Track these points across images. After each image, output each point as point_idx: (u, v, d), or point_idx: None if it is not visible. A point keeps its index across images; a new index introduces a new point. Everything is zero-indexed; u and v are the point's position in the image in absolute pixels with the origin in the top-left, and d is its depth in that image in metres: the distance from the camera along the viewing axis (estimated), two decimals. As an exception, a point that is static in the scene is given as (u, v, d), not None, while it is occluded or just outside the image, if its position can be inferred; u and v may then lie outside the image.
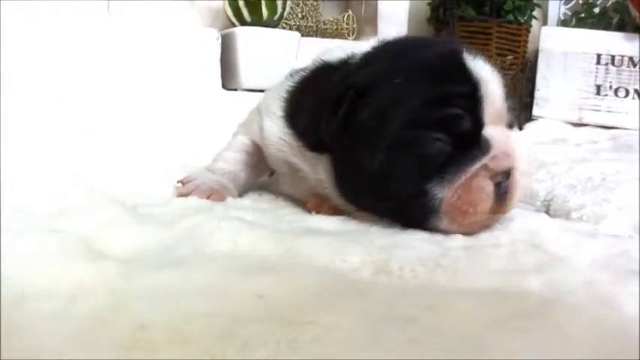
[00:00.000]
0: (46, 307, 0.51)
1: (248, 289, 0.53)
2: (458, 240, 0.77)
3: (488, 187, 0.78)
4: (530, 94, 2.69)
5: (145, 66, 1.91)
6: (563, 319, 0.52)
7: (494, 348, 0.44)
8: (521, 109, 2.67)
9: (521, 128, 2.58)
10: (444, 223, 0.80)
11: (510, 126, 0.86)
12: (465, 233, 0.79)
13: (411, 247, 0.71)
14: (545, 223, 0.89)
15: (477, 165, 0.78)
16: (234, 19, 2.05)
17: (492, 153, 0.79)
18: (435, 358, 0.42)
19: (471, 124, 0.79)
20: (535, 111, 2.66)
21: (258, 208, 0.96)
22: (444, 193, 0.78)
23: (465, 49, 0.84)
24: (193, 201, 0.97)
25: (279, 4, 2.05)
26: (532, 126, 2.57)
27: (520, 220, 0.89)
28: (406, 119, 0.79)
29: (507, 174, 0.80)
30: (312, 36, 2.39)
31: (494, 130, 0.81)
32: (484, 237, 0.79)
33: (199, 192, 1.00)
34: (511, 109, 0.85)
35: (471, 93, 0.80)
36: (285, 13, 2.12)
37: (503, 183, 0.80)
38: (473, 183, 0.78)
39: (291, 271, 0.60)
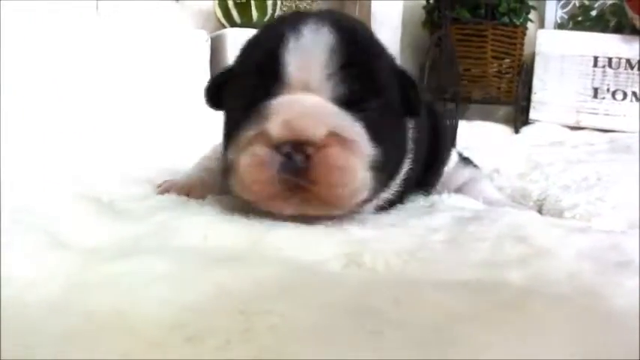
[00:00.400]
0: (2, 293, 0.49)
1: (207, 279, 0.50)
2: (440, 234, 0.73)
3: (263, 155, 0.71)
4: (527, 98, 2.67)
5: (134, 67, 1.89)
6: (543, 310, 0.48)
7: (462, 341, 0.41)
8: (518, 113, 2.64)
9: (517, 132, 2.55)
10: (240, 190, 0.77)
11: (348, 97, 0.75)
12: (275, 212, 0.76)
13: (389, 240, 0.68)
14: (533, 218, 0.86)
15: (252, 132, 0.74)
16: (224, 21, 2.03)
17: (271, 121, 0.72)
18: (393, 349, 0.38)
19: (262, 92, 0.75)
20: (532, 114, 2.64)
21: (237, 203, 0.93)
22: (229, 159, 0.78)
23: (322, 18, 0.79)
24: (171, 197, 0.94)
25: (269, 5, 2.03)
26: (529, 130, 2.54)
27: (509, 216, 0.86)
28: (227, 92, 0.85)
29: (303, 147, 0.71)
30: (305, 39, 2.36)
31: (287, 99, 0.74)
32: (468, 231, 0.75)
33: (177, 188, 0.98)
34: (349, 79, 0.75)
35: (270, 62, 0.76)
36: (276, 15, 2.10)
37: (294, 156, 0.71)
38: (248, 149, 0.73)
39: (256, 262, 0.57)
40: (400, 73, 0.85)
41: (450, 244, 0.68)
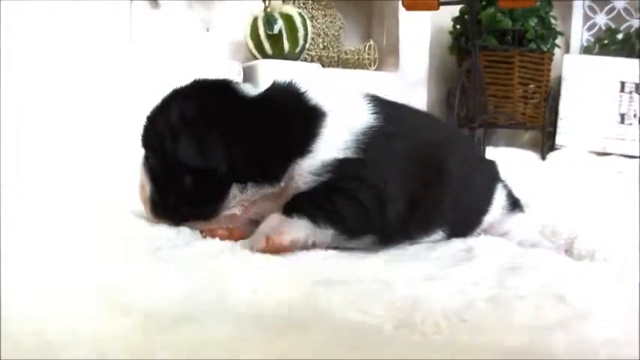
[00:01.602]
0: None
1: (270, 346, 0.53)
2: (481, 288, 0.76)
3: None
4: (553, 123, 2.68)
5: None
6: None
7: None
8: (545, 139, 2.65)
9: (544, 158, 2.57)
10: None
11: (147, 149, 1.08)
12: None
13: (435, 297, 0.70)
14: (569, 270, 0.89)
15: None
16: (255, 52, 2.08)
17: None
18: None
19: None
20: (558, 140, 2.65)
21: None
22: None
23: (180, 89, 1.07)
24: (214, 242, 0.97)
25: (301, 36, 2.07)
26: (555, 156, 2.55)
27: (544, 266, 0.89)
28: None
29: None
30: (333, 66, 2.40)
31: None
32: (508, 285, 0.78)
33: (219, 232, 1.01)
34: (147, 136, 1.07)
35: None
36: (307, 45, 2.14)
37: None
38: None
39: (312, 325, 0.60)
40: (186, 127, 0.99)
41: (493, 303, 0.70)
